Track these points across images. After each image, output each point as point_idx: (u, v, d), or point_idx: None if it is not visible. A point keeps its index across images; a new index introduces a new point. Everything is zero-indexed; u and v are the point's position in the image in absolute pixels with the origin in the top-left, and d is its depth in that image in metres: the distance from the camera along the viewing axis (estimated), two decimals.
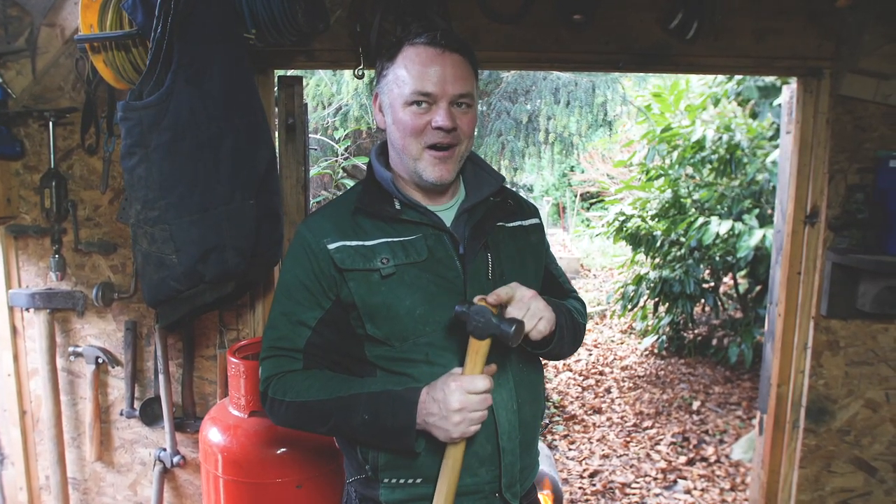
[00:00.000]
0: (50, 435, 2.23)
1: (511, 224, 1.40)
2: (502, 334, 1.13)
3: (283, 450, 1.79)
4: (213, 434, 1.85)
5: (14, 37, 2.08)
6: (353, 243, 1.25)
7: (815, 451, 2.35)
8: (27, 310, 2.21)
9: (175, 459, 2.23)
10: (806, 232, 2.29)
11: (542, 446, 3.07)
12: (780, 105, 3.79)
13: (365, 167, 5.45)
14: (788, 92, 2.38)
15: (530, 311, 1.18)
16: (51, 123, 2.11)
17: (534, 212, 1.50)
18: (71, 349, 2.27)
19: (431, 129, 1.23)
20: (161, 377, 2.19)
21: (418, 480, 1.25)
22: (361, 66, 2.10)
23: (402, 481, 1.26)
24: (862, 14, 2.08)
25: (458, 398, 1.13)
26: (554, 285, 1.52)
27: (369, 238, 1.26)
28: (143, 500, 2.36)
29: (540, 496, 2.39)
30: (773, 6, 2.10)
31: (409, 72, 1.23)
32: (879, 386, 2.31)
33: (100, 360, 2.25)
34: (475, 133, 1.35)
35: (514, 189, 1.63)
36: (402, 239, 1.26)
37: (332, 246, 1.25)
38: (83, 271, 2.23)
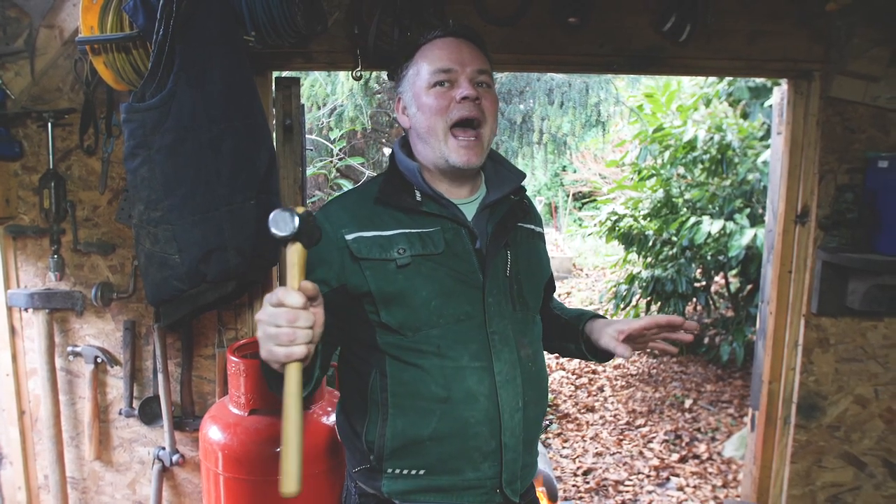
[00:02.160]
0: (49, 434, 2.24)
1: (527, 225, 1.44)
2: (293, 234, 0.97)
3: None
4: (213, 432, 1.87)
5: (13, 38, 2.08)
6: (371, 234, 1.27)
7: (805, 447, 2.39)
8: (26, 310, 2.21)
9: (174, 458, 2.24)
10: (797, 231, 2.33)
11: None
12: (770, 106, 3.84)
13: (359, 167, 5.47)
14: (779, 93, 2.42)
15: None
16: (49, 124, 2.11)
17: (540, 221, 1.54)
18: (70, 349, 2.27)
19: (456, 103, 1.27)
20: (160, 376, 2.20)
21: (422, 472, 1.26)
22: (359, 68, 2.12)
23: (405, 472, 1.27)
24: (851, 18, 2.12)
25: (262, 311, 0.99)
26: (550, 286, 1.56)
27: (387, 229, 1.28)
28: (141, 499, 2.36)
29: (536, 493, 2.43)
30: (764, 9, 2.14)
31: (428, 60, 1.29)
32: (869, 382, 2.35)
33: (98, 360, 2.26)
34: (497, 117, 1.38)
35: None
36: (419, 231, 1.28)
37: (349, 237, 1.26)
38: (82, 271, 2.24)
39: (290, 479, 0.93)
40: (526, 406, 1.31)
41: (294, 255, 0.98)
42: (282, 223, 0.96)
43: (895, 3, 2.08)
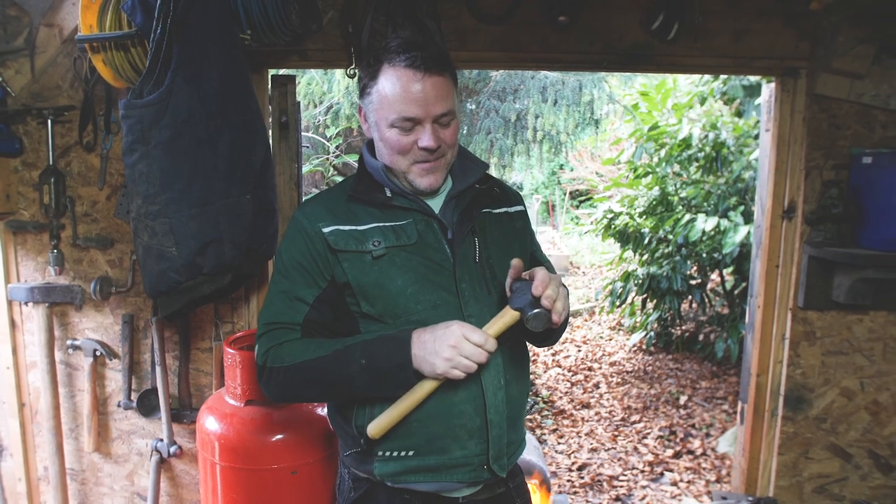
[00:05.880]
0: (48, 426, 2.28)
1: (497, 210, 1.47)
2: (524, 315, 1.23)
3: (278, 437, 1.85)
4: (210, 422, 1.90)
5: (13, 36, 2.12)
6: (347, 228, 1.33)
7: (792, 439, 2.42)
8: (26, 304, 2.25)
9: (172, 449, 2.28)
10: (784, 226, 2.37)
11: (530, 437, 3.13)
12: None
13: (355, 164, 5.52)
14: (768, 91, 2.46)
15: (560, 302, 1.25)
16: (49, 121, 2.15)
17: (518, 199, 1.57)
18: (69, 342, 2.31)
19: (417, 149, 1.30)
20: (158, 369, 2.24)
21: (410, 453, 1.31)
22: (353, 66, 2.16)
23: (395, 454, 1.32)
24: (835, 17, 2.16)
25: (456, 337, 1.20)
26: (536, 264, 1.57)
27: (362, 223, 1.33)
28: (140, 490, 2.40)
29: (528, 485, 2.46)
30: (750, 8, 2.17)
31: (391, 94, 1.28)
32: (854, 375, 2.39)
33: (97, 353, 2.30)
34: (460, 136, 1.42)
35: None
36: (393, 224, 1.34)
37: (326, 229, 1.32)
38: (81, 266, 2.28)
39: (379, 427, 1.28)
40: (508, 384, 1.37)
41: (511, 319, 1.25)
42: (521, 298, 1.24)
43: (879, 1, 2.12)
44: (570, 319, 7.26)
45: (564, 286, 1.33)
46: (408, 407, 1.26)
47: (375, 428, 1.27)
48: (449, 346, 1.20)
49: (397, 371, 1.24)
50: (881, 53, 2.18)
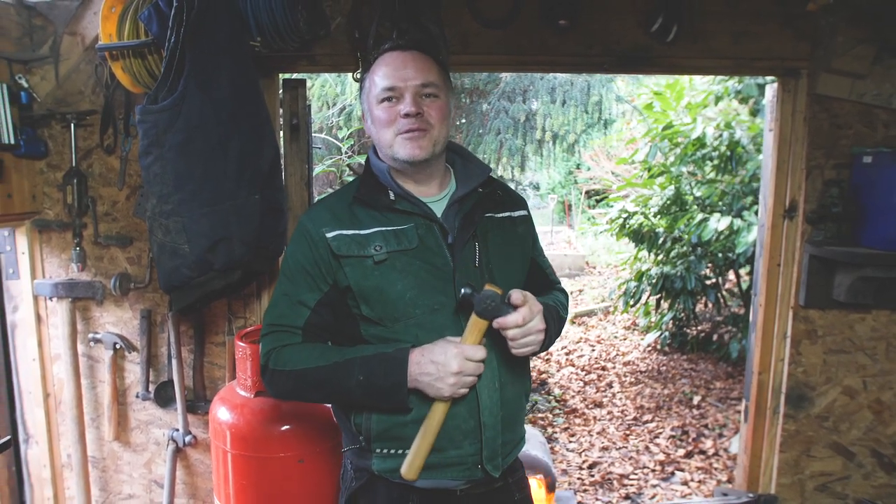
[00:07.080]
0: (71, 416, 2.38)
1: (499, 215, 1.50)
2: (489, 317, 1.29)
3: (286, 427, 1.93)
4: (222, 413, 1.99)
5: (39, 45, 2.23)
6: (349, 232, 1.36)
7: (794, 437, 2.44)
8: (50, 299, 2.36)
9: (187, 439, 2.38)
10: (785, 225, 2.39)
11: (536, 433, 3.16)
12: None
13: None
14: (771, 91, 2.48)
15: (527, 337, 1.31)
16: (72, 125, 2.26)
17: (522, 203, 1.59)
18: (91, 336, 2.42)
19: (401, 118, 1.36)
20: (174, 362, 2.34)
21: (407, 451, 1.35)
22: (360, 70, 2.23)
23: (392, 451, 1.36)
24: (833, 17, 2.17)
25: (458, 362, 1.27)
26: (540, 276, 1.61)
27: (364, 227, 1.37)
28: (157, 478, 2.50)
29: (533, 481, 2.50)
30: (748, 10, 2.20)
31: (378, 75, 1.38)
32: (857, 373, 2.39)
33: (117, 346, 2.40)
34: (448, 121, 1.45)
35: (512, 184, 1.72)
36: (394, 228, 1.37)
37: (329, 234, 1.36)
38: (102, 263, 2.39)
39: (414, 467, 1.32)
40: (503, 387, 1.40)
41: (484, 325, 1.30)
42: (493, 307, 1.29)
43: (876, 2, 2.13)
44: (585, 319, 7.27)
45: (550, 315, 1.39)
46: (432, 437, 1.32)
47: (411, 470, 1.32)
48: (453, 374, 1.26)
49: (395, 390, 1.30)
50: (882, 53, 2.20)
